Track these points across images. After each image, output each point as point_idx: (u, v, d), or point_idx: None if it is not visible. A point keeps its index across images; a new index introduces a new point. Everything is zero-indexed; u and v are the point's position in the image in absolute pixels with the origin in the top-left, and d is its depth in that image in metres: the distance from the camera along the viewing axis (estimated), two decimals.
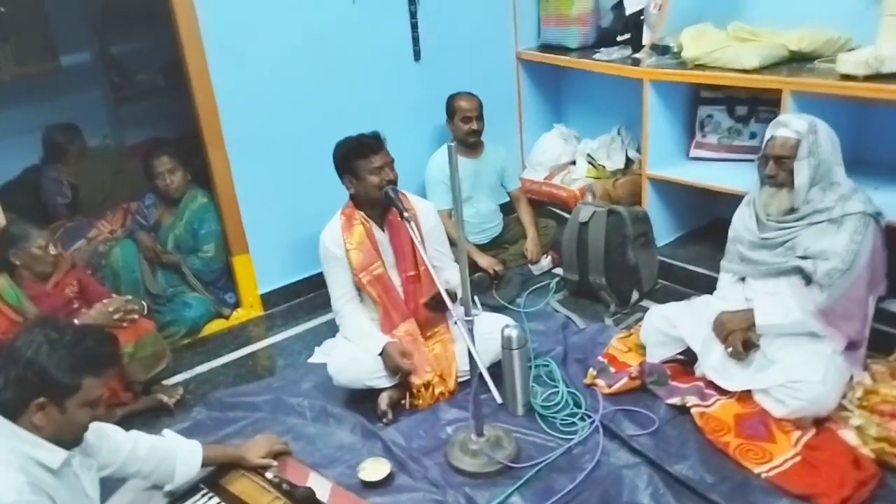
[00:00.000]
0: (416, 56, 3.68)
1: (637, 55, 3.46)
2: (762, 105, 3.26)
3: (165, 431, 2.08)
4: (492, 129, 3.64)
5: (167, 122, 4.20)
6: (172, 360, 2.95)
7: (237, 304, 3.53)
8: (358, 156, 2.61)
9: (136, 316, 2.72)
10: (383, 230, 2.72)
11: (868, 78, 2.53)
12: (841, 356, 2.33)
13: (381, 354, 2.60)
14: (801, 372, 2.27)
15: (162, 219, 3.40)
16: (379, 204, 2.66)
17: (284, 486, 1.99)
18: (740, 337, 2.42)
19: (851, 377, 2.36)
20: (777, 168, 2.36)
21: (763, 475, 2.15)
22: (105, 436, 1.81)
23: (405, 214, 2.44)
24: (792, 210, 2.39)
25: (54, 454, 1.56)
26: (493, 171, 3.65)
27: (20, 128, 3.93)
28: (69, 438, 1.60)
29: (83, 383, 1.54)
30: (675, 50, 3.23)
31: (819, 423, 2.28)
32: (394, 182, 2.61)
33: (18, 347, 1.52)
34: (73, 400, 1.54)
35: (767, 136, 2.41)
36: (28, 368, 1.50)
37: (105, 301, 2.73)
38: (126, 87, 4.65)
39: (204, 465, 2.04)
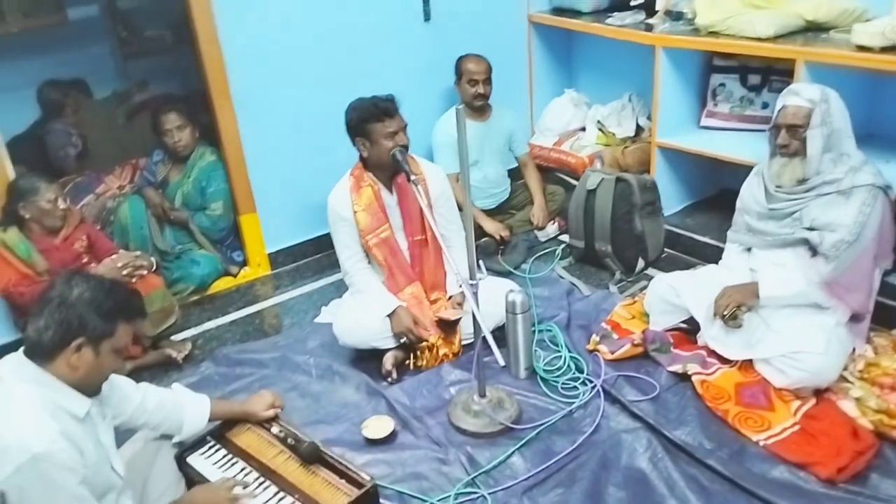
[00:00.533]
0: (427, 16, 3.63)
1: (650, 21, 3.42)
2: (775, 75, 3.22)
3: (174, 385, 2.11)
4: (502, 93, 3.61)
5: (176, 79, 4.17)
6: (181, 316, 2.99)
7: (245, 263, 3.55)
8: (373, 119, 2.60)
9: (144, 272, 2.75)
10: (392, 193, 2.72)
11: (884, 49, 2.50)
12: (844, 328, 2.34)
13: (390, 316, 2.62)
14: (803, 343, 2.29)
15: (170, 176, 3.40)
16: (389, 167, 2.65)
17: (290, 440, 2.03)
18: (733, 306, 2.41)
19: (854, 349, 2.37)
20: (789, 137, 2.33)
21: (761, 443, 2.18)
22: (116, 386, 1.85)
23: (412, 178, 2.44)
24: (803, 180, 2.37)
25: (81, 402, 1.62)
26: (502, 136, 3.63)
27: (27, 81, 3.91)
28: (95, 385, 1.66)
29: (118, 328, 1.62)
30: (689, 16, 3.19)
31: (819, 393, 2.31)
32: (405, 147, 2.60)
33: (60, 292, 1.59)
34: (107, 344, 1.61)
35: (779, 106, 2.38)
36: (71, 310, 1.57)
37: (114, 256, 2.76)
38: (134, 43, 4.61)
39: (211, 419, 2.08)
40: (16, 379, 1.57)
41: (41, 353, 1.58)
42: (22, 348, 1.61)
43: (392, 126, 2.59)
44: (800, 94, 2.32)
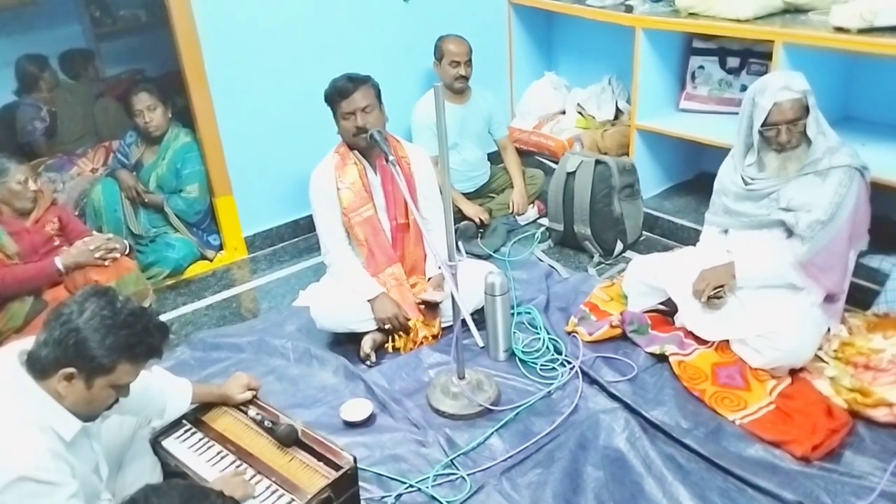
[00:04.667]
0: None
1: (630, 2, 3.41)
2: (754, 57, 3.24)
3: (154, 367, 2.07)
4: (482, 76, 3.59)
5: (150, 59, 4.10)
6: (156, 300, 2.95)
7: (221, 247, 3.51)
8: (334, 100, 2.59)
9: (117, 254, 2.71)
10: (376, 174, 2.69)
11: (861, 31, 2.50)
12: (819, 309, 2.36)
13: (371, 301, 2.60)
14: (778, 323, 2.31)
15: (144, 158, 3.34)
16: (358, 147, 2.62)
17: (266, 423, 2.01)
18: (711, 288, 2.42)
19: (828, 329, 2.40)
20: (791, 132, 2.29)
21: (737, 422, 2.20)
22: None
23: (390, 158, 2.41)
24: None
25: (70, 425, 1.52)
26: (481, 118, 3.61)
27: None
28: (85, 413, 1.55)
29: (118, 367, 1.50)
30: None
31: (794, 373, 2.33)
32: (365, 129, 2.54)
33: (70, 311, 1.47)
34: (103, 380, 1.50)
35: (766, 104, 2.28)
36: (71, 334, 1.45)
37: (86, 239, 2.72)
38: (107, 23, 4.52)
39: (192, 402, 2.06)
40: (6, 389, 1.49)
41: (37, 368, 1.49)
42: (20, 353, 1.52)
43: (349, 106, 2.55)
44: (791, 88, 2.27)
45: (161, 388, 1.97)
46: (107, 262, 2.66)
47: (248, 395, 2.11)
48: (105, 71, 4.24)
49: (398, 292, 2.67)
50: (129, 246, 2.86)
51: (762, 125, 2.32)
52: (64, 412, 1.51)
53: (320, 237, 2.75)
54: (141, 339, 1.51)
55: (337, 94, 2.57)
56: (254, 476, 1.89)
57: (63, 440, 1.51)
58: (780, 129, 2.29)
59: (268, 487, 1.85)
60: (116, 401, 1.58)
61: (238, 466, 1.93)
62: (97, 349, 1.46)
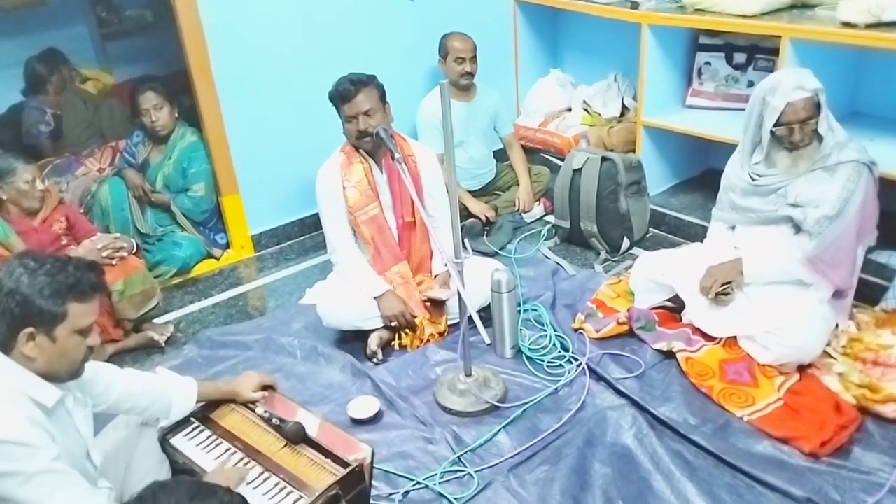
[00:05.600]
0: None
1: None
2: (760, 53, 3.23)
3: (158, 369, 2.08)
4: (487, 73, 3.59)
5: (156, 60, 4.11)
6: (163, 299, 2.96)
7: (228, 246, 3.52)
8: (337, 102, 2.60)
9: (124, 253, 2.72)
10: (382, 172, 2.69)
11: (869, 26, 2.49)
12: (827, 305, 2.35)
13: (378, 298, 2.60)
14: (786, 319, 2.30)
15: (150, 157, 3.35)
16: (365, 147, 2.63)
17: (274, 420, 2.01)
18: (718, 284, 2.42)
19: (837, 325, 2.38)
20: (804, 131, 2.27)
21: (745, 418, 2.19)
22: (99, 372, 1.81)
23: (396, 156, 2.40)
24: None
25: (49, 392, 1.54)
26: (486, 116, 3.60)
27: (3, 62, 3.84)
28: (65, 370, 1.57)
29: (69, 310, 1.52)
30: None
31: (802, 369, 2.32)
32: (367, 133, 2.54)
33: (1, 281, 1.50)
34: (62, 328, 1.52)
35: (779, 104, 2.25)
36: (10, 298, 1.48)
37: (93, 238, 2.73)
38: (114, 23, 4.53)
39: (198, 401, 2.06)
40: None
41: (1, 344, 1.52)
42: None
43: (351, 110, 2.55)
44: (804, 87, 2.25)
45: (165, 388, 1.97)
46: (114, 262, 2.67)
47: (260, 395, 2.10)
48: (112, 71, 4.25)
49: (404, 290, 2.67)
50: (137, 245, 2.86)
51: (775, 125, 2.30)
52: (39, 381, 1.53)
53: (326, 235, 2.76)
54: (77, 277, 1.54)
55: (339, 97, 2.57)
56: (262, 473, 1.89)
57: (43, 407, 1.53)
58: (793, 128, 2.27)
59: (276, 485, 1.85)
60: (91, 350, 1.60)
61: (246, 464, 1.93)
62: (42, 301, 1.48)
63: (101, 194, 3.25)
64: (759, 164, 2.45)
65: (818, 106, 2.27)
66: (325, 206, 2.70)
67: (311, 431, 1.97)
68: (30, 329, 1.49)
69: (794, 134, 2.28)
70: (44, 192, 2.72)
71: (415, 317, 2.63)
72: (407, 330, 2.65)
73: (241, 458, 1.95)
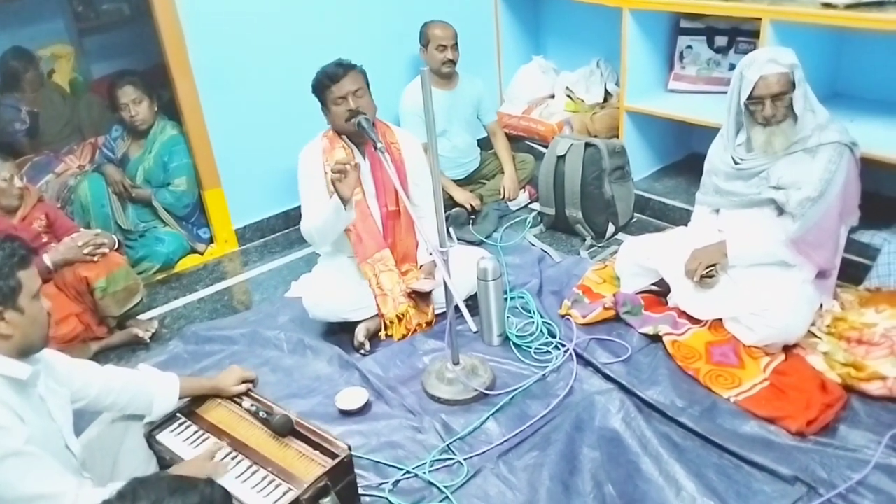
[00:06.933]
0: None
1: None
2: (741, 36, 3.23)
3: (141, 365, 2.07)
4: (469, 61, 3.56)
5: (134, 54, 4.06)
6: (147, 295, 2.93)
7: (211, 240, 3.49)
8: (324, 86, 2.56)
9: (106, 249, 2.68)
10: (364, 159, 2.67)
11: (849, 7, 2.50)
12: (811, 285, 2.37)
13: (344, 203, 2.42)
14: (771, 300, 2.31)
15: (130, 152, 3.31)
16: (351, 133, 2.60)
17: (261, 413, 2.00)
18: (703, 267, 2.43)
19: (821, 305, 2.40)
20: (777, 106, 2.28)
21: (732, 399, 2.21)
22: (77, 368, 1.80)
23: (379, 146, 2.38)
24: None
25: (21, 367, 1.60)
26: (469, 104, 3.59)
27: None
28: (39, 336, 1.65)
29: (21, 279, 1.60)
30: None
31: (788, 349, 2.34)
32: (358, 112, 2.50)
33: None
34: (23, 297, 1.60)
35: (752, 77, 2.27)
36: None
37: (74, 235, 2.69)
38: (90, 17, 4.47)
39: (181, 396, 2.05)
40: None
41: None
42: None
43: (338, 90, 2.52)
44: (778, 61, 2.26)
45: (146, 385, 1.96)
46: (95, 258, 2.64)
47: (243, 387, 2.10)
48: (89, 67, 4.19)
49: (388, 277, 2.65)
50: (118, 241, 2.83)
51: (748, 98, 2.31)
52: (11, 360, 1.58)
53: (303, 209, 2.64)
54: (13, 248, 1.63)
55: (327, 79, 2.54)
56: (250, 467, 1.88)
57: (15, 386, 1.58)
58: (764, 102, 2.28)
59: (264, 478, 1.84)
60: (49, 315, 1.70)
61: (234, 458, 1.92)
62: (1, 281, 1.57)
63: (80, 191, 3.21)
64: (741, 145, 2.46)
65: (794, 83, 2.27)
66: (305, 182, 2.64)
67: None
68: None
69: (765, 108, 2.28)
70: (22, 190, 2.68)
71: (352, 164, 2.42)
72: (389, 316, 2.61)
73: (229, 453, 1.94)
